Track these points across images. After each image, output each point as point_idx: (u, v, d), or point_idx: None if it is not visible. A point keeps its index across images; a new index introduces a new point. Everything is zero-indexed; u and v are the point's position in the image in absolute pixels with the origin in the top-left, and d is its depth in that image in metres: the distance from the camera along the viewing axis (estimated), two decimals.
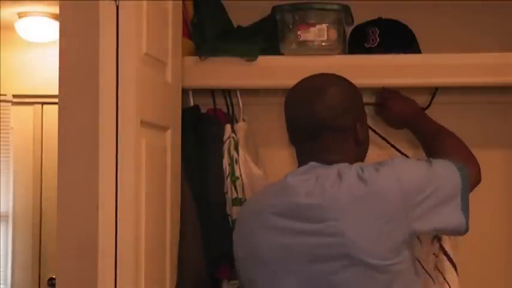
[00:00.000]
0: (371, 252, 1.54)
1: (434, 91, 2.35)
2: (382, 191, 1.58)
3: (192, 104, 2.32)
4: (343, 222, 1.56)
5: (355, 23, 2.35)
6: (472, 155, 1.85)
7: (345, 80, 1.80)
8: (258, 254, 1.69)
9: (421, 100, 2.40)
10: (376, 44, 2.29)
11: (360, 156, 1.78)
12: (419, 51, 2.32)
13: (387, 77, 2.23)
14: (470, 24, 2.45)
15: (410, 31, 2.33)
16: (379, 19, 2.33)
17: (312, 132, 1.73)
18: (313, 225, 1.59)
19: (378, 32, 2.29)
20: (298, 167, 1.76)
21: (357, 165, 1.66)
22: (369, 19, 2.36)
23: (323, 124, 1.71)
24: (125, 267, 1.67)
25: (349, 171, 1.62)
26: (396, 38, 2.31)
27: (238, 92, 2.35)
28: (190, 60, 2.26)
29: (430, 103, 2.33)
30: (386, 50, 2.26)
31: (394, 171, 1.61)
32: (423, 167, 1.65)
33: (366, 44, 2.30)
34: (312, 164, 1.71)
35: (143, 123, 1.77)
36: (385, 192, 1.58)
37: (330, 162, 1.69)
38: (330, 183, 1.61)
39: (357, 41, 2.34)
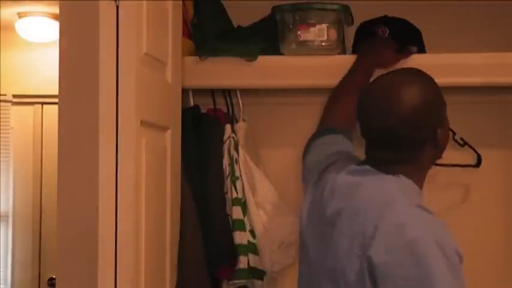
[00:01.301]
0: None
1: None
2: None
3: (192, 104, 2.32)
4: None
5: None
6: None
7: (426, 80, 1.64)
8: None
9: None
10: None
11: (435, 158, 1.67)
12: (424, 51, 2.32)
13: None
14: (470, 24, 2.45)
15: (418, 30, 2.33)
16: (386, 17, 2.33)
17: (381, 141, 1.62)
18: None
19: (388, 31, 2.29)
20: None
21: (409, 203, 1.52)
22: (369, 19, 2.36)
23: (397, 138, 1.58)
24: (125, 266, 1.67)
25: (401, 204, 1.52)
26: (407, 36, 2.31)
27: (238, 92, 2.35)
28: (190, 60, 2.26)
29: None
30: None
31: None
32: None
33: None
34: (365, 168, 1.63)
35: (143, 123, 1.77)
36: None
37: (386, 171, 1.60)
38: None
39: (364, 40, 2.33)
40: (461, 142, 2.27)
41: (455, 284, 1.42)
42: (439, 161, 1.72)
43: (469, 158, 2.38)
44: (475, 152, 2.29)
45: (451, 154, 2.17)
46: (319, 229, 1.63)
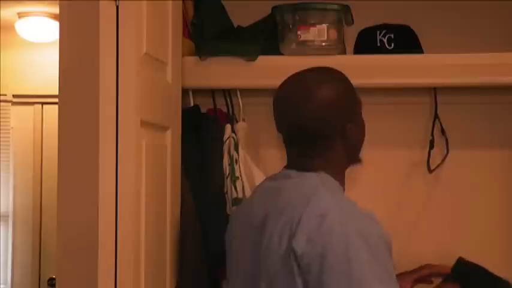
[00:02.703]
0: None
1: (434, 91, 2.35)
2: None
3: (192, 104, 2.32)
4: None
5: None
6: None
7: (336, 76, 1.68)
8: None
9: (421, 100, 2.41)
10: (392, 49, 2.30)
11: (352, 157, 1.68)
12: (422, 52, 2.33)
13: (387, 77, 2.23)
14: (470, 24, 2.45)
15: (417, 36, 2.34)
16: (386, 24, 2.33)
17: (294, 139, 1.65)
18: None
19: (393, 37, 2.29)
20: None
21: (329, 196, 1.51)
22: (369, 19, 2.36)
23: (307, 133, 1.61)
24: (125, 267, 1.67)
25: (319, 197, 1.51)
26: (410, 43, 2.32)
27: (238, 92, 2.35)
28: (190, 60, 2.26)
29: None
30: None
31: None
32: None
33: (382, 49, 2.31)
34: (285, 172, 1.66)
35: (143, 123, 1.77)
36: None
37: (306, 169, 1.61)
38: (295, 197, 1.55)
39: (366, 46, 2.33)
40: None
41: (379, 269, 1.38)
42: None
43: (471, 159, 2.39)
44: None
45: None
46: (251, 238, 1.62)
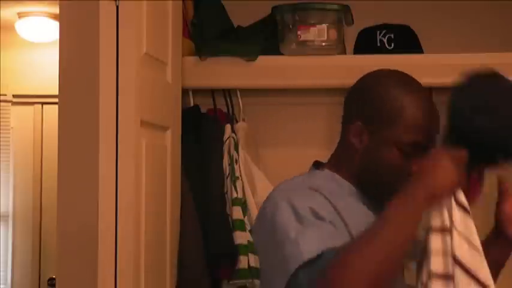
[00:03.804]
0: None
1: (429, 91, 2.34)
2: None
3: (192, 104, 2.32)
4: None
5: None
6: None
7: (392, 78, 1.50)
8: None
9: None
10: (392, 49, 2.30)
11: (365, 173, 1.44)
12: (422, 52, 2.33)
13: None
14: (470, 24, 2.45)
15: (417, 36, 2.34)
16: (387, 24, 2.33)
17: None
18: None
19: (392, 37, 2.29)
20: None
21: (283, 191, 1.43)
22: (369, 19, 2.36)
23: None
24: (125, 267, 1.67)
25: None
26: (410, 43, 2.32)
27: (238, 92, 2.35)
28: (190, 60, 2.26)
29: None
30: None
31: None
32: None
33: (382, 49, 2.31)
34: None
35: (143, 123, 1.77)
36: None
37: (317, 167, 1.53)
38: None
39: (366, 45, 2.34)
40: None
41: (307, 232, 1.29)
42: None
43: None
44: None
45: None
46: None
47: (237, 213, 2.21)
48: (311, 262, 1.25)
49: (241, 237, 2.19)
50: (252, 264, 2.20)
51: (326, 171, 1.51)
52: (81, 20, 1.71)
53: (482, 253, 1.32)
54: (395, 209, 1.28)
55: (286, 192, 1.41)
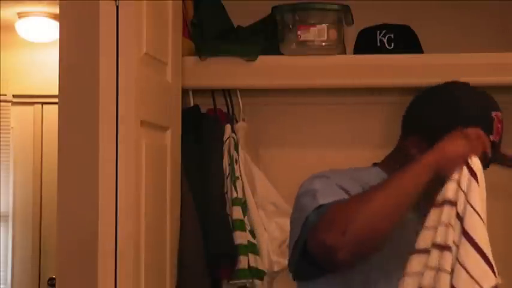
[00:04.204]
0: None
1: None
2: None
3: (192, 104, 2.32)
4: None
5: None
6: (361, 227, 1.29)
7: (464, 96, 1.53)
8: None
9: None
10: (392, 49, 2.30)
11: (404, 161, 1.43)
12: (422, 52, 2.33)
13: (387, 77, 2.23)
14: (470, 24, 2.45)
15: (417, 36, 2.34)
16: (388, 24, 2.33)
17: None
18: None
19: (392, 37, 2.29)
20: None
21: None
22: (369, 19, 2.36)
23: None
24: (124, 267, 1.67)
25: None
26: (410, 43, 2.32)
27: (238, 92, 2.35)
28: (190, 60, 2.26)
29: None
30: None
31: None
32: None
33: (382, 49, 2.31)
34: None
35: (143, 123, 1.77)
36: None
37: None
38: None
39: (366, 45, 2.34)
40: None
41: (326, 191, 1.38)
42: None
43: None
44: None
45: None
46: None
47: (237, 213, 2.21)
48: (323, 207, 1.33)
49: (241, 237, 2.19)
50: (252, 264, 2.20)
51: (377, 169, 1.56)
52: (81, 20, 1.71)
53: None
54: (401, 173, 1.34)
55: (325, 172, 1.47)
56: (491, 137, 1.47)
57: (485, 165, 1.43)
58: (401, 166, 1.48)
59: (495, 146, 1.49)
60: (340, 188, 1.39)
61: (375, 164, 1.60)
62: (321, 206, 1.33)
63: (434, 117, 1.50)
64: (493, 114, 1.49)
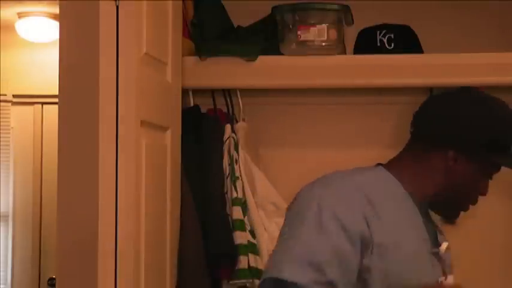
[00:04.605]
0: None
1: (430, 91, 2.35)
2: None
3: (192, 104, 2.32)
4: None
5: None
6: None
7: (490, 107, 1.53)
8: None
9: (420, 100, 2.40)
10: (392, 49, 2.30)
11: (443, 194, 1.53)
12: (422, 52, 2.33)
13: (387, 77, 2.23)
14: (470, 24, 2.45)
15: (417, 36, 2.34)
16: (386, 24, 2.33)
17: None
18: None
19: (392, 37, 2.30)
20: None
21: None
22: (369, 19, 2.36)
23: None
24: (125, 267, 1.67)
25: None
26: (410, 43, 2.32)
27: (238, 92, 2.35)
28: (190, 60, 2.26)
29: None
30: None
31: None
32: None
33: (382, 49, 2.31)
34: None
35: (143, 123, 1.77)
36: None
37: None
38: None
39: (366, 45, 2.34)
40: None
41: (319, 239, 1.38)
42: None
43: None
44: None
45: None
46: None
47: (237, 213, 2.21)
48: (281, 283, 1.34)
49: (241, 237, 2.19)
50: (252, 264, 2.20)
51: (381, 169, 1.57)
52: (81, 20, 1.71)
53: None
54: None
55: (327, 192, 1.46)
56: None
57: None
58: (418, 173, 1.53)
59: None
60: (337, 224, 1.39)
61: (378, 164, 1.60)
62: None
63: (471, 131, 1.49)
64: None
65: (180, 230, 2.09)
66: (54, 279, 3.72)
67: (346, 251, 1.38)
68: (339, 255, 1.37)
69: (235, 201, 2.22)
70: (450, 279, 1.53)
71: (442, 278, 1.51)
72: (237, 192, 2.22)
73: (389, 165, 1.58)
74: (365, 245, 1.40)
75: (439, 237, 1.58)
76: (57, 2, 1.75)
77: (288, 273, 1.34)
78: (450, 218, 1.61)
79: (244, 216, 2.22)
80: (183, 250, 2.08)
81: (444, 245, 1.53)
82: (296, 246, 1.39)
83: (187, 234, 2.10)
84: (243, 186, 2.24)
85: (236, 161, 2.25)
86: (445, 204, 1.56)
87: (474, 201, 1.57)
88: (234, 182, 2.23)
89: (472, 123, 1.50)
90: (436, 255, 1.53)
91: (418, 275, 1.47)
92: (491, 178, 1.57)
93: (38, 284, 4.01)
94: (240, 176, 2.25)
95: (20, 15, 3.70)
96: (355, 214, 1.41)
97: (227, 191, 2.23)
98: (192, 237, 2.12)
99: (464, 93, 1.57)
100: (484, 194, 1.56)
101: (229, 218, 2.21)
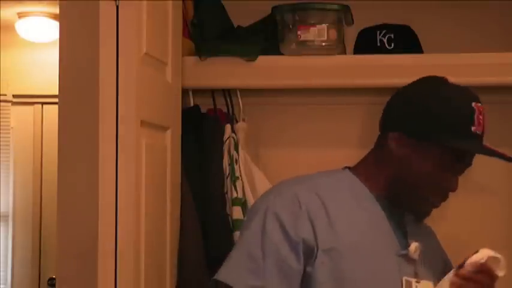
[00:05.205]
0: None
1: None
2: None
3: (192, 104, 2.32)
4: None
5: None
6: None
7: (442, 89, 1.52)
8: None
9: None
10: (392, 49, 2.30)
11: (399, 183, 1.51)
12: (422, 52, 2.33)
13: (387, 77, 2.23)
14: (470, 24, 2.45)
15: (417, 36, 2.34)
16: (386, 24, 2.33)
17: None
18: None
19: (392, 37, 2.30)
20: None
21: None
22: (369, 19, 2.36)
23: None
24: (124, 267, 1.67)
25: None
26: (410, 43, 2.32)
27: (238, 92, 2.35)
28: (190, 60, 2.26)
29: None
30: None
31: None
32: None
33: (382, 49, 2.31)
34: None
35: (143, 123, 1.77)
36: None
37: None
38: None
39: (366, 45, 2.34)
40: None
41: (261, 244, 1.40)
42: None
43: None
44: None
45: None
46: None
47: (237, 213, 2.21)
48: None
49: None
50: None
51: (347, 172, 1.57)
52: (81, 20, 1.71)
53: None
54: None
55: (277, 198, 1.49)
56: (473, 128, 1.47)
57: None
58: (379, 171, 1.53)
59: (478, 137, 1.49)
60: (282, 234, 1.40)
61: (346, 167, 1.60)
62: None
63: (415, 112, 1.50)
64: (474, 105, 1.49)
65: (180, 230, 2.09)
66: (54, 279, 3.72)
67: (287, 257, 1.38)
68: (279, 262, 1.38)
69: (235, 201, 2.22)
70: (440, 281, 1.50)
71: (412, 280, 1.48)
72: (237, 192, 2.22)
73: (355, 167, 1.59)
74: (308, 253, 1.40)
75: (410, 240, 1.53)
76: (57, 2, 1.75)
77: (226, 277, 1.39)
78: (419, 215, 1.57)
79: (244, 216, 2.22)
80: (183, 250, 2.08)
81: (413, 246, 1.50)
82: (238, 251, 1.43)
83: (187, 234, 2.10)
84: (243, 186, 2.24)
85: (236, 161, 2.25)
86: (407, 199, 1.52)
87: (443, 197, 1.53)
88: (234, 182, 2.23)
89: (418, 106, 1.50)
90: (405, 257, 1.50)
91: (378, 277, 1.45)
92: (460, 173, 1.53)
93: (38, 284, 4.01)
94: (240, 176, 2.25)
95: (20, 15, 3.70)
96: (300, 220, 1.42)
97: (227, 191, 2.23)
98: (192, 238, 2.12)
99: (420, 80, 1.58)
100: (452, 189, 1.51)
101: (229, 218, 2.21)
